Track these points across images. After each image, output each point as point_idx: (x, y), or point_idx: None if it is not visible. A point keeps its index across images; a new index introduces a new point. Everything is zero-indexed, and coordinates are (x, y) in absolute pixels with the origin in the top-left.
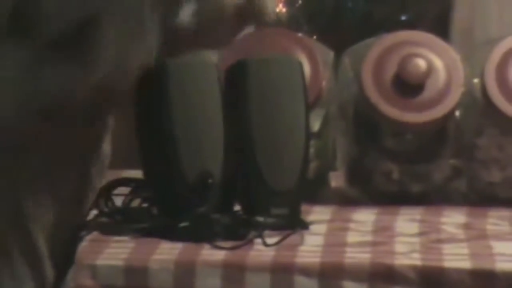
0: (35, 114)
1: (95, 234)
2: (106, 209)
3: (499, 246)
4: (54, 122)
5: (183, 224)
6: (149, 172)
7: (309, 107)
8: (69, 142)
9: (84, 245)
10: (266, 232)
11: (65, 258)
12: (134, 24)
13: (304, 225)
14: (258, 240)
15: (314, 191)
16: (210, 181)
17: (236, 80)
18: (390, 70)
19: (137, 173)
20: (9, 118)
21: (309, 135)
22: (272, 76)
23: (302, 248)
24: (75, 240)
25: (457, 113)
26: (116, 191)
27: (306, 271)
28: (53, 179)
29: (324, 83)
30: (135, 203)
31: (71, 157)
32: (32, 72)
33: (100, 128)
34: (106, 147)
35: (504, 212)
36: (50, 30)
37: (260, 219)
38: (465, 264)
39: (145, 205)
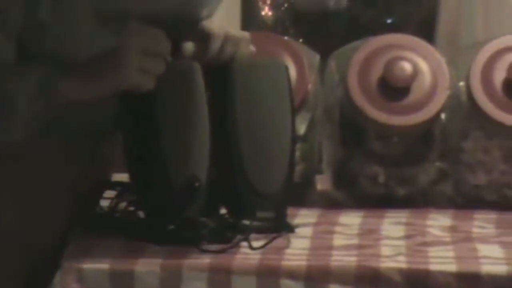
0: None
1: (81, 238)
2: (92, 213)
3: (484, 249)
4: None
5: (170, 228)
6: (135, 176)
7: (295, 111)
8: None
9: (70, 249)
10: (253, 236)
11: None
12: None
13: (290, 229)
14: (245, 244)
15: (300, 194)
16: (196, 184)
17: (222, 84)
18: (376, 73)
19: (122, 177)
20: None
21: (295, 138)
22: (258, 80)
23: (288, 251)
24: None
25: (443, 116)
26: (101, 195)
27: (292, 274)
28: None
29: (310, 87)
30: (121, 206)
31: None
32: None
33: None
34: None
35: (490, 215)
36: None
37: (246, 222)
38: (451, 267)
39: (131, 208)
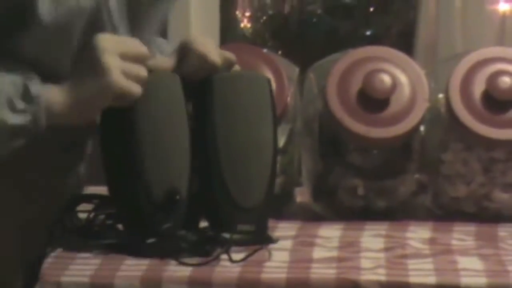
0: None
1: (60, 251)
2: (70, 226)
3: (464, 261)
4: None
5: (150, 241)
6: (114, 188)
7: (276, 124)
8: (43, 165)
9: (49, 262)
10: (233, 248)
11: (32, 276)
12: None
13: (271, 241)
14: (225, 257)
15: (280, 207)
16: (177, 197)
17: (202, 96)
18: (355, 85)
19: (98, 189)
20: None
21: (276, 151)
22: (239, 93)
23: (268, 264)
24: (42, 257)
25: (422, 128)
26: (79, 208)
27: (272, 287)
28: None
29: (289, 99)
30: (99, 219)
31: (43, 178)
32: None
33: (76, 154)
34: (82, 169)
35: (469, 227)
36: None
37: (227, 235)
38: (430, 279)
39: (109, 221)
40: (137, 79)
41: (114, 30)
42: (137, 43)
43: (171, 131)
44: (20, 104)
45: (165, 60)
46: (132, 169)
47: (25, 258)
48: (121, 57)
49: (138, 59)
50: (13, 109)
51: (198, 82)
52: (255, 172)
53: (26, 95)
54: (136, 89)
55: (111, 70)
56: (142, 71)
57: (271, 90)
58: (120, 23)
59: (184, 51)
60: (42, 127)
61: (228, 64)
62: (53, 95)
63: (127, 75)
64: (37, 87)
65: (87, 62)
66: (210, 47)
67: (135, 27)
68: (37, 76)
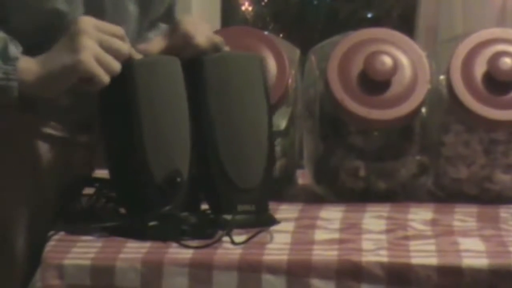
0: None
1: (61, 234)
2: (72, 209)
3: (465, 243)
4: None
5: (151, 223)
6: (116, 171)
7: (270, 104)
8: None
9: (51, 245)
10: (234, 231)
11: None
12: None
13: (274, 222)
14: (226, 239)
15: (281, 189)
16: (178, 180)
17: (194, 77)
18: (356, 67)
19: (99, 173)
20: None
21: (272, 132)
22: (231, 73)
23: (270, 246)
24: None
25: (423, 110)
26: (80, 190)
27: (273, 269)
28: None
29: (290, 81)
30: (100, 203)
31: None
32: None
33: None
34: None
35: (471, 209)
36: None
37: (228, 217)
38: (432, 260)
39: (110, 204)
40: (107, 67)
41: (121, 11)
42: (120, 31)
43: (171, 113)
44: None
45: (153, 44)
46: (134, 152)
47: (33, 242)
48: (99, 43)
49: (115, 50)
50: None
51: (187, 62)
52: (251, 152)
53: (4, 53)
54: (103, 76)
55: (83, 51)
56: (115, 64)
57: (263, 70)
58: (129, 3)
59: (172, 32)
60: (12, 90)
61: (215, 49)
62: (26, 63)
63: (99, 60)
64: (17, 50)
65: (65, 40)
66: (198, 29)
67: (143, 9)
68: (20, 45)
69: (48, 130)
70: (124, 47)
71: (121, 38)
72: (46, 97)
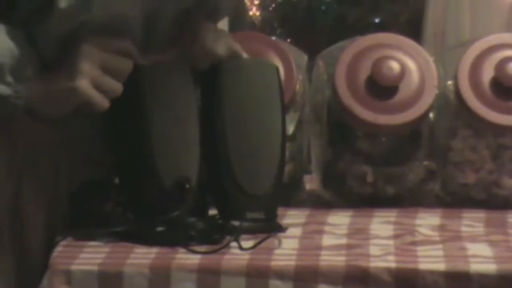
0: None
1: (69, 239)
2: (80, 213)
3: (473, 248)
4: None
5: (159, 229)
6: (124, 176)
7: (285, 111)
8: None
9: (58, 250)
10: (242, 236)
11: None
12: None
13: (281, 229)
14: (233, 244)
15: (289, 194)
16: (187, 186)
17: (211, 84)
18: (364, 72)
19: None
20: None
21: (285, 139)
22: (247, 80)
23: (277, 251)
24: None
25: (431, 115)
26: (88, 195)
27: (281, 274)
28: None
29: (298, 86)
30: (108, 207)
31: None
32: None
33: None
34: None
35: (478, 214)
36: None
37: (236, 223)
38: (440, 266)
39: (118, 209)
40: (107, 91)
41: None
42: (125, 47)
43: (182, 119)
44: (9, 78)
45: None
46: (143, 157)
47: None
48: (101, 65)
49: (118, 70)
50: (1, 78)
51: (202, 69)
52: (263, 159)
53: (20, 72)
54: (100, 102)
55: (79, 77)
56: (115, 86)
57: (279, 78)
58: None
59: (193, 42)
60: (19, 107)
61: (234, 56)
62: (35, 83)
63: (97, 85)
64: (32, 70)
65: (67, 63)
66: (218, 37)
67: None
68: (37, 60)
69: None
70: (129, 65)
71: (126, 53)
72: (52, 115)
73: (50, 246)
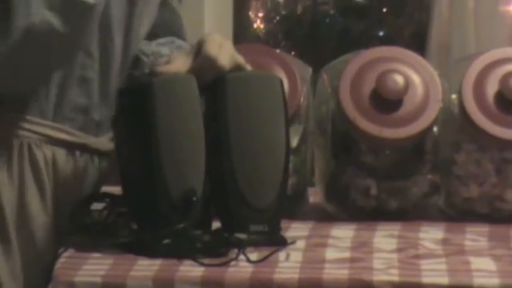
0: None
1: (72, 251)
2: (83, 225)
3: (477, 262)
4: None
5: (165, 241)
6: (129, 188)
7: (289, 124)
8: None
9: (61, 262)
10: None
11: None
12: None
13: (286, 242)
14: (239, 257)
15: (292, 207)
16: (194, 198)
17: (215, 96)
18: (368, 86)
19: (109, 189)
20: None
21: (289, 152)
22: (251, 93)
23: (281, 264)
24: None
25: (435, 128)
26: (91, 207)
27: (284, 287)
28: None
29: (302, 99)
30: (111, 218)
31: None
32: None
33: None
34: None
35: (482, 228)
36: None
37: (241, 236)
38: (443, 280)
39: (121, 219)
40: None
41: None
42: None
43: (188, 132)
44: None
45: (177, 65)
46: (151, 169)
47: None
48: None
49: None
50: None
51: (206, 81)
52: (267, 172)
53: None
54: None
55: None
56: None
57: (283, 90)
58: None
59: (197, 51)
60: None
61: (238, 69)
62: None
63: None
64: None
65: None
66: (222, 49)
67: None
68: None
69: (63, 135)
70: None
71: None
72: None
73: (58, 245)
